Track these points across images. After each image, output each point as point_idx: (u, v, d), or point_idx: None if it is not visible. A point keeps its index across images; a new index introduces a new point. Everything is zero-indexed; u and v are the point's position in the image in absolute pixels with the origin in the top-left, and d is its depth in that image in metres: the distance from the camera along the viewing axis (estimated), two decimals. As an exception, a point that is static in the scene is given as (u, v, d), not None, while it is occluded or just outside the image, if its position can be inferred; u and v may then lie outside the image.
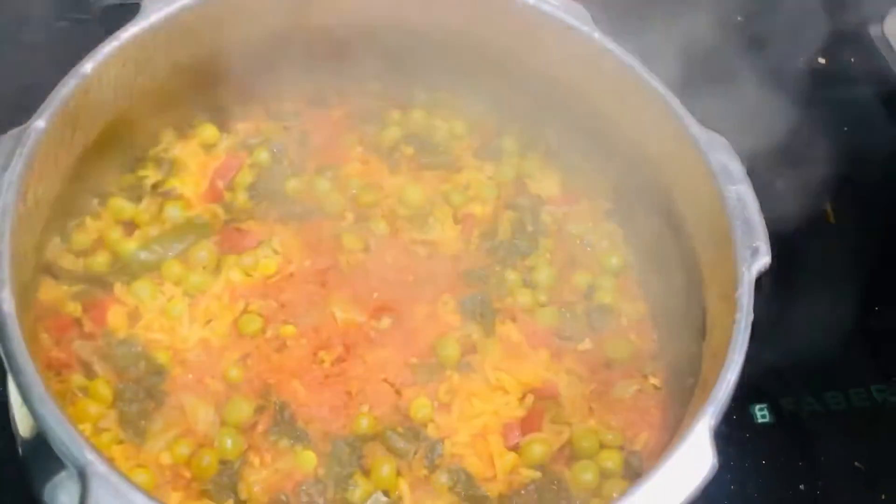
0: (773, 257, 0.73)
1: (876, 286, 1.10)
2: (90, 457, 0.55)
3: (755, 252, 0.71)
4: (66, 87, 0.71)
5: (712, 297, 0.76)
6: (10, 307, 0.59)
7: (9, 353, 0.59)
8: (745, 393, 0.97)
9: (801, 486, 0.93)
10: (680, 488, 0.59)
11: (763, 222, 0.73)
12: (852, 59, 1.34)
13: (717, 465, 0.61)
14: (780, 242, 0.82)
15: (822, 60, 1.34)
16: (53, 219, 0.78)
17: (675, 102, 0.80)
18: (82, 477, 0.55)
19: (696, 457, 0.61)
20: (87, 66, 0.73)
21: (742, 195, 0.74)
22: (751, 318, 0.68)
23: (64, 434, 0.56)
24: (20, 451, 0.75)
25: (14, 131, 0.69)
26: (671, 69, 0.88)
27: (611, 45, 0.85)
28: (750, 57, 1.23)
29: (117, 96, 0.79)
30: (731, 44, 1.25)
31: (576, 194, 0.96)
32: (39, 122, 0.68)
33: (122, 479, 0.55)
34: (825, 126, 1.22)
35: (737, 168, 0.76)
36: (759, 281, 0.71)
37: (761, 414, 0.98)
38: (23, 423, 0.74)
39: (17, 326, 0.59)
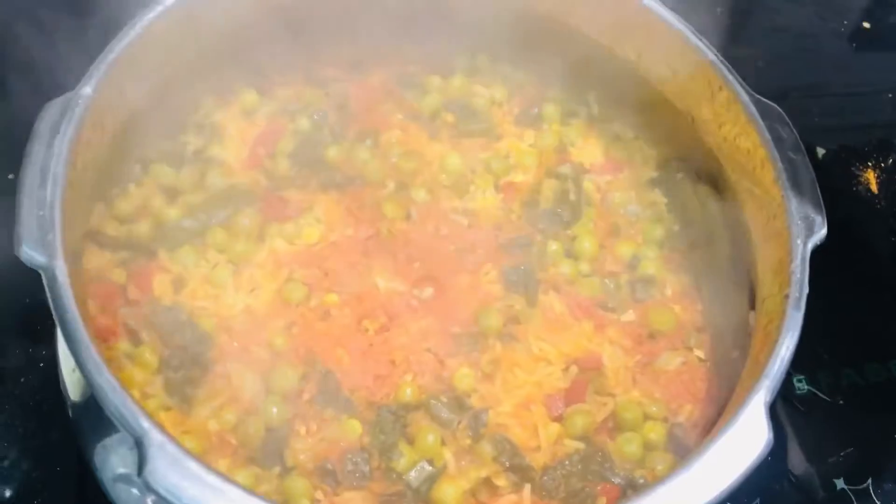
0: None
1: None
2: (147, 426, 0.56)
3: (811, 224, 0.69)
4: (112, 53, 0.70)
5: (763, 270, 0.75)
6: (64, 276, 0.60)
7: (64, 323, 0.59)
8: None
9: (840, 458, 0.93)
10: (735, 464, 0.59)
11: (818, 193, 0.72)
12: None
13: (772, 440, 0.60)
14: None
15: (866, 25, 1.31)
16: (98, 185, 0.78)
17: (727, 70, 0.78)
18: (140, 446, 0.55)
19: (751, 432, 0.60)
20: (133, 31, 0.72)
21: (797, 165, 0.72)
22: (805, 291, 0.67)
23: (120, 402, 0.56)
24: (70, 413, 0.75)
25: (61, 98, 0.68)
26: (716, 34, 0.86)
27: (659, 8, 0.83)
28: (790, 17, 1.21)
29: (162, 62, 0.78)
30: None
31: (619, 163, 0.94)
32: (87, 89, 0.68)
33: (180, 449, 0.55)
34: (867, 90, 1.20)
35: (791, 137, 0.74)
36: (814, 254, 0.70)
37: (799, 385, 0.97)
38: (73, 386, 0.75)
39: (71, 296, 0.59)
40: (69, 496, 0.84)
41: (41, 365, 0.90)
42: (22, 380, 0.89)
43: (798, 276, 0.66)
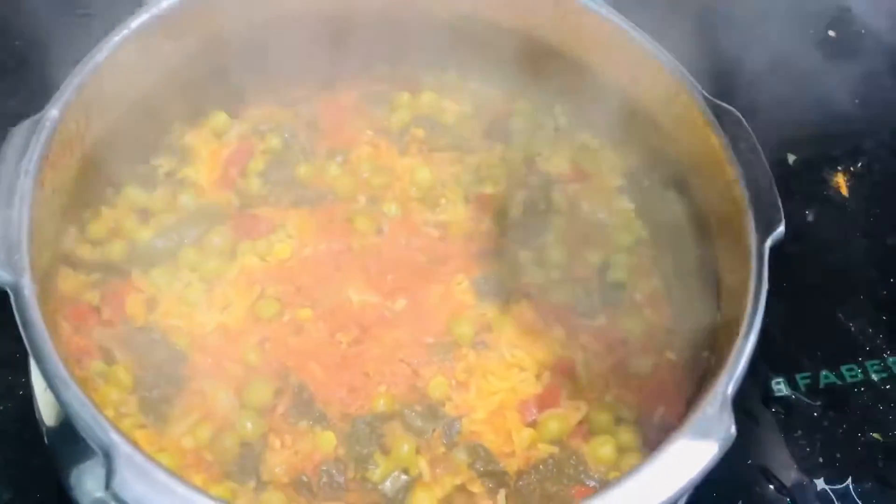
0: (789, 230, 0.73)
1: (890, 258, 1.10)
2: (115, 437, 0.56)
3: (769, 223, 0.71)
4: (79, 77, 0.72)
5: (726, 270, 0.76)
6: (30, 292, 0.60)
7: (31, 339, 0.59)
8: (763, 366, 0.98)
9: (820, 459, 0.93)
10: (699, 456, 0.59)
11: (776, 194, 0.73)
12: (862, 31, 1.33)
13: (735, 433, 0.61)
14: (795, 216, 0.82)
15: (831, 33, 1.34)
16: (69, 209, 0.79)
17: (687, 75, 0.80)
18: (107, 458, 0.55)
19: (715, 426, 0.61)
20: (100, 55, 0.74)
21: (754, 165, 0.74)
22: (765, 287, 0.68)
23: (88, 416, 0.57)
24: (45, 439, 0.76)
25: (28, 121, 0.69)
26: (678, 42, 0.88)
27: (618, 19, 0.85)
28: (759, 29, 1.23)
29: (129, 85, 0.80)
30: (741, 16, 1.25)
31: (586, 172, 0.96)
32: (53, 112, 0.69)
33: (147, 459, 0.55)
34: (836, 97, 1.22)
35: (748, 139, 0.76)
36: (775, 252, 0.71)
37: (777, 388, 0.98)
38: (47, 411, 0.75)
39: (38, 312, 0.60)
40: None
41: (20, 393, 0.90)
42: (0, 408, 0.89)
43: (756, 270, 0.67)
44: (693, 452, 0.59)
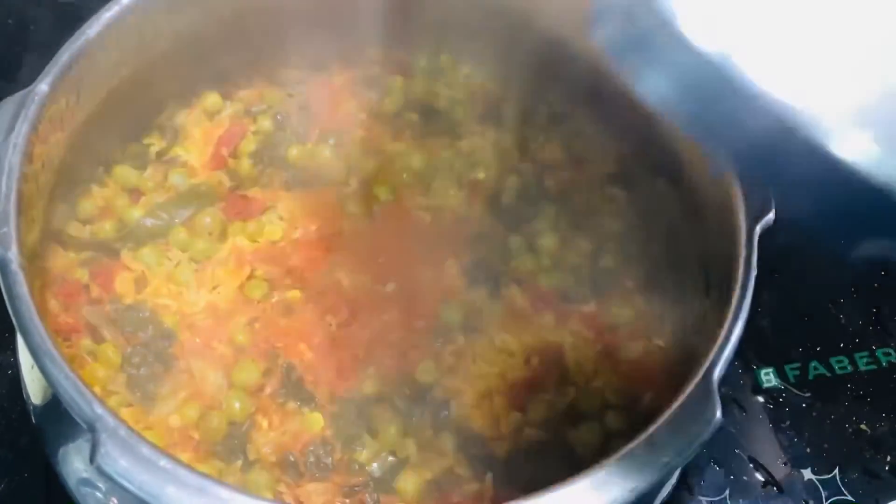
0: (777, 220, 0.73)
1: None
2: (99, 411, 0.56)
3: (760, 207, 0.70)
4: (69, 51, 0.71)
5: (716, 255, 0.76)
6: (17, 265, 0.60)
7: (17, 312, 0.59)
8: (752, 357, 0.99)
9: (808, 450, 0.94)
10: (685, 439, 0.59)
11: (766, 180, 0.73)
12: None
13: (721, 417, 0.61)
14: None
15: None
16: (59, 186, 0.78)
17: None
18: (92, 431, 0.55)
19: (700, 409, 0.61)
20: (90, 30, 0.73)
21: (746, 152, 0.73)
22: (754, 272, 0.68)
23: (73, 390, 0.57)
24: (33, 418, 0.76)
25: (17, 95, 0.69)
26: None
27: (613, 4, 0.84)
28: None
29: (120, 62, 0.79)
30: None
31: (579, 159, 0.95)
32: (43, 86, 0.69)
33: (132, 433, 0.55)
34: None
35: (741, 125, 0.76)
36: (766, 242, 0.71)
37: (766, 378, 0.99)
38: (34, 389, 0.75)
39: (25, 286, 0.60)
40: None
41: (9, 372, 0.90)
42: (-13, 388, 0.89)
43: (745, 255, 0.67)
44: (679, 436, 0.59)
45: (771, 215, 0.71)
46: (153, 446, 0.55)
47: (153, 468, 0.54)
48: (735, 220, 0.72)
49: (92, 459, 0.54)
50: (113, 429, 0.55)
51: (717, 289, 0.74)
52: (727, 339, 0.64)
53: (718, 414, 0.61)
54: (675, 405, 0.60)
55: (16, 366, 0.89)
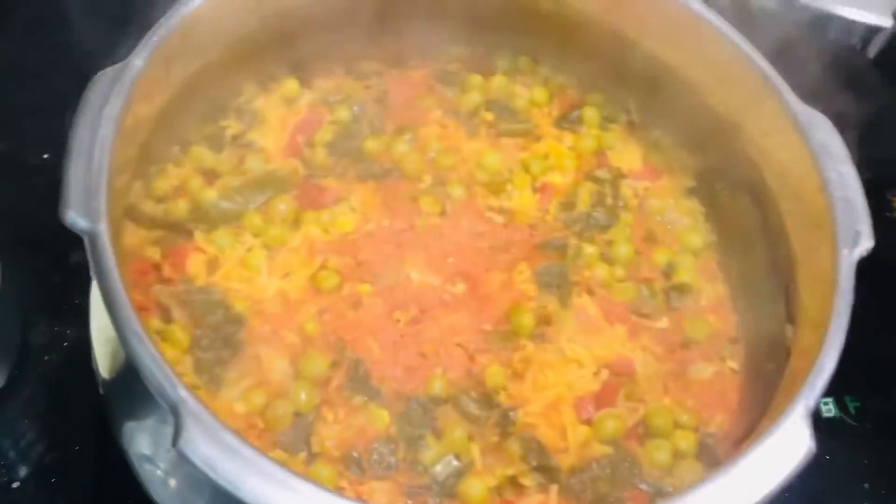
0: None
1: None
2: (183, 394, 0.55)
3: (857, 235, 0.68)
4: (165, 28, 0.70)
5: (804, 281, 0.74)
6: (106, 241, 0.59)
7: (105, 289, 0.58)
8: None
9: (866, 485, 0.91)
10: (776, 471, 0.57)
11: (866, 205, 0.71)
12: None
13: (814, 447, 0.59)
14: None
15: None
16: (137, 162, 0.77)
17: (776, 76, 0.78)
18: (176, 414, 0.54)
19: (792, 440, 0.59)
20: (185, 8, 0.72)
21: (844, 175, 0.71)
22: (850, 302, 0.66)
23: (158, 371, 0.56)
24: (100, 390, 0.75)
25: (111, 68, 0.68)
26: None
27: (708, 13, 0.82)
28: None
29: (209, 42, 0.78)
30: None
31: (658, 169, 0.94)
32: (137, 60, 0.68)
33: (216, 420, 0.54)
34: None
35: (839, 147, 0.74)
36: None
37: (826, 408, 0.96)
38: (104, 363, 0.74)
39: (113, 261, 0.59)
40: (86, 477, 0.83)
41: (65, 344, 0.90)
42: (46, 358, 0.89)
43: (844, 285, 0.65)
44: (770, 465, 0.58)
45: (869, 244, 0.68)
46: (237, 434, 0.54)
47: (237, 457, 0.53)
48: (829, 247, 0.69)
49: (175, 442, 0.53)
50: (197, 413, 0.54)
51: (805, 314, 0.72)
52: (822, 368, 0.62)
53: (810, 445, 0.59)
54: (768, 434, 0.58)
55: (75, 340, 0.89)
